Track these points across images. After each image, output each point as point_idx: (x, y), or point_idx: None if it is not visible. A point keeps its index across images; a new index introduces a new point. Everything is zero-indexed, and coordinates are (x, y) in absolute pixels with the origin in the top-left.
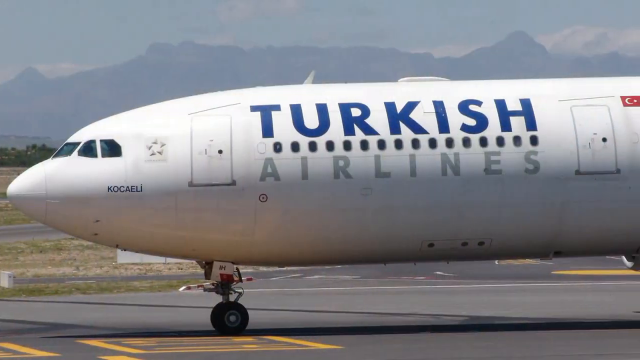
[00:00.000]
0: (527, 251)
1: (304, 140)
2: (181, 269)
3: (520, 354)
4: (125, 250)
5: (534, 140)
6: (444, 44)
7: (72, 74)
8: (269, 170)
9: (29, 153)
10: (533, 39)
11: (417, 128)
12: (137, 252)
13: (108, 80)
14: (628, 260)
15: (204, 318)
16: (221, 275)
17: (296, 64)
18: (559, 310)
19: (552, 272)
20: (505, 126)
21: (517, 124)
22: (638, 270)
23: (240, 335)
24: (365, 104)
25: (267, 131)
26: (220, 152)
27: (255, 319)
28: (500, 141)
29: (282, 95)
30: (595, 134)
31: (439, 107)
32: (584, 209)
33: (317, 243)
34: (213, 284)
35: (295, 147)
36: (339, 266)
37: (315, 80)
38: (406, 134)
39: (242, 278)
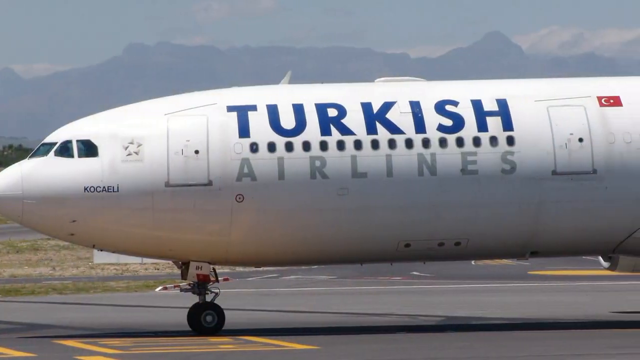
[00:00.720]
0: (503, 251)
1: (280, 141)
2: (158, 269)
3: (497, 354)
4: (101, 250)
5: (510, 141)
6: (421, 44)
7: (49, 74)
8: (246, 170)
9: (5, 153)
10: (509, 39)
11: (393, 128)
12: (113, 252)
13: (84, 81)
14: (604, 260)
15: (180, 318)
16: (198, 275)
17: (272, 64)
18: (536, 311)
19: (529, 273)
20: (482, 126)
21: (494, 124)
22: (614, 270)
23: (216, 336)
24: (342, 104)
25: (244, 131)
26: (196, 152)
27: (232, 319)
28: (476, 141)
29: (258, 95)
30: (571, 134)
31: (415, 107)
32: (560, 209)
33: (294, 243)
34: (189, 284)
35: (271, 147)
36: (316, 266)
37: (292, 81)
38: (383, 134)
39: (219, 278)
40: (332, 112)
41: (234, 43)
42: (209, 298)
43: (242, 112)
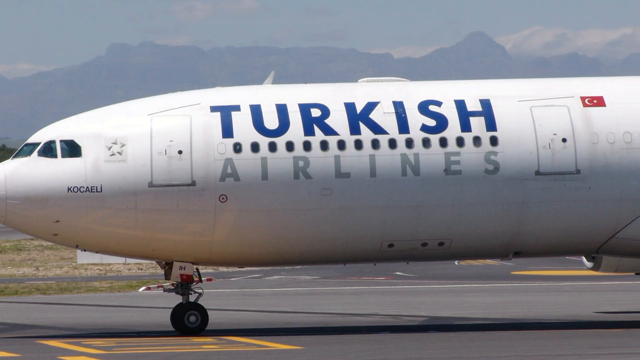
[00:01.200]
0: (486, 251)
1: (263, 141)
2: (141, 270)
3: (480, 354)
4: (85, 250)
5: (493, 141)
6: (404, 45)
7: (32, 74)
8: (229, 170)
9: None
10: (492, 40)
11: (377, 128)
12: (97, 252)
13: (68, 81)
14: (588, 260)
15: (163, 318)
16: (181, 275)
17: (256, 64)
18: (519, 311)
19: (512, 273)
20: (465, 126)
21: (477, 124)
22: (598, 270)
23: (200, 336)
24: (325, 104)
25: (227, 132)
26: (180, 152)
27: (215, 319)
28: (460, 141)
29: (241, 95)
30: (555, 134)
31: (398, 107)
32: (543, 209)
33: (277, 243)
34: (173, 285)
35: (255, 147)
36: (299, 267)
37: (275, 81)
38: (366, 134)
39: (202, 278)
40: (316, 113)
41: (217, 43)
42: (192, 298)
43: (226, 113)
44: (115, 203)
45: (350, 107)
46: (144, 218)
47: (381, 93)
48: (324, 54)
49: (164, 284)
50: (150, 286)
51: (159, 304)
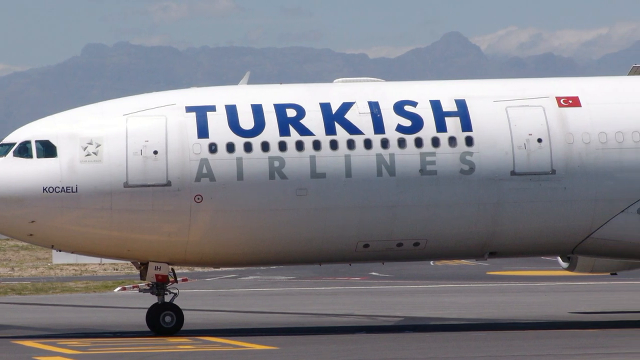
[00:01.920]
0: (462, 252)
1: (239, 141)
2: (116, 270)
3: (456, 354)
4: (60, 251)
5: (469, 141)
6: (379, 45)
7: (7, 74)
8: (204, 171)
9: None
10: (468, 40)
11: (352, 129)
12: (72, 252)
13: (43, 81)
14: (563, 261)
15: (139, 319)
16: (156, 275)
17: (231, 64)
18: (494, 311)
19: (487, 273)
20: (441, 127)
21: (453, 124)
22: (573, 271)
23: (175, 336)
24: (301, 104)
25: (203, 132)
26: (155, 152)
27: (191, 319)
28: (435, 142)
29: (217, 96)
30: (530, 134)
31: (374, 107)
32: (519, 209)
33: (253, 244)
34: (148, 285)
35: (230, 147)
36: (275, 267)
37: (251, 81)
38: (341, 134)
39: (178, 279)
40: (291, 113)
41: (193, 43)
42: (167, 298)
43: (201, 113)
44: (91, 203)
45: (325, 107)
46: (119, 218)
47: (357, 93)
48: (300, 54)
49: (139, 284)
50: (126, 286)
51: (135, 304)
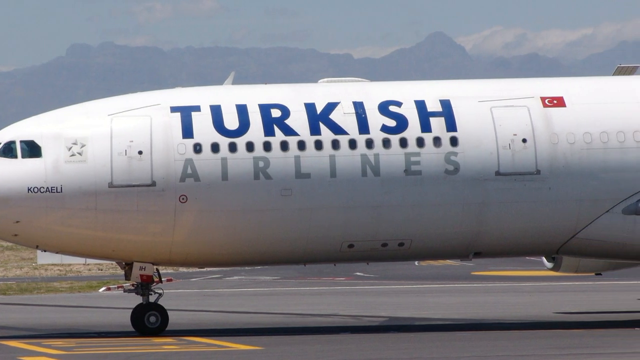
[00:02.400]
0: (447, 252)
1: (223, 141)
2: (101, 270)
3: (441, 354)
4: (45, 251)
5: (453, 141)
6: (364, 45)
7: None
8: (189, 171)
9: None
10: (453, 40)
11: (337, 129)
12: (57, 253)
13: (28, 81)
14: (548, 261)
15: (123, 319)
16: (141, 276)
17: (216, 64)
18: (479, 311)
19: (472, 273)
20: (425, 127)
21: (437, 124)
22: (558, 271)
23: (160, 336)
24: (285, 104)
25: (187, 132)
26: (140, 153)
27: (176, 319)
28: (420, 142)
29: (202, 96)
30: (515, 134)
31: (359, 108)
32: (503, 209)
33: (237, 244)
34: (133, 285)
35: (215, 148)
36: (259, 267)
37: (235, 81)
38: (326, 134)
39: (162, 279)
40: (276, 113)
41: (177, 44)
42: (152, 299)
43: (186, 113)
44: (76, 203)
45: (310, 107)
46: (104, 218)
47: (341, 93)
48: (284, 54)
49: (124, 285)
50: (111, 287)
51: (119, 305)
